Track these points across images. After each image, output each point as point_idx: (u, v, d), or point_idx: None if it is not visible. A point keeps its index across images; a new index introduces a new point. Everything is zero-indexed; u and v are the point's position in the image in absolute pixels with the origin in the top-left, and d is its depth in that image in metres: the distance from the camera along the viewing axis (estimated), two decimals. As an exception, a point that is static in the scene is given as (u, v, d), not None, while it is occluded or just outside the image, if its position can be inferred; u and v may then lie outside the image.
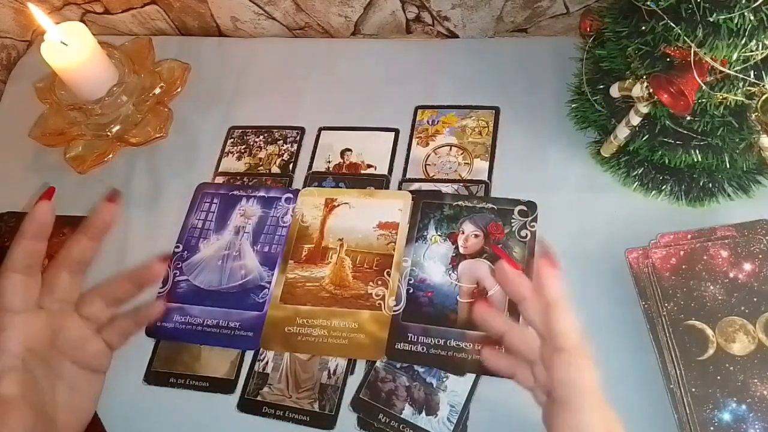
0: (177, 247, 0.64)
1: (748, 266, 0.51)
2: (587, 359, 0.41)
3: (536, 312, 0.42)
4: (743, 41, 0.44)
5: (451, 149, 0.65)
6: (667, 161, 0.54)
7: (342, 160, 0.67)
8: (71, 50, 0.63)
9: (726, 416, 0.46)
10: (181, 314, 0.60)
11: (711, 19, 0.43)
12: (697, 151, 0.53)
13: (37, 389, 0.45)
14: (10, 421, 0.42)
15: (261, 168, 0.68)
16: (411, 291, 0.57)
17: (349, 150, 0.67)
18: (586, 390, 0.40)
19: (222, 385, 0.56)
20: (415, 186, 0.64)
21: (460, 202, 0.61)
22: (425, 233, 0.60)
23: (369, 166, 0.66)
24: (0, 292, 0.44)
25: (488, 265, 0.57)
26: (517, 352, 0.45)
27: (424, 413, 0.52)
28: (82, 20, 0.82)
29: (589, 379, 0.40)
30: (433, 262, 0.58)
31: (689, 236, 0.53)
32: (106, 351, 0.51)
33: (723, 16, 0.43)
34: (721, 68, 0.46)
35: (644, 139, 0.54)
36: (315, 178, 0.66)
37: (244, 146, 0.70)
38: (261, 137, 0.70)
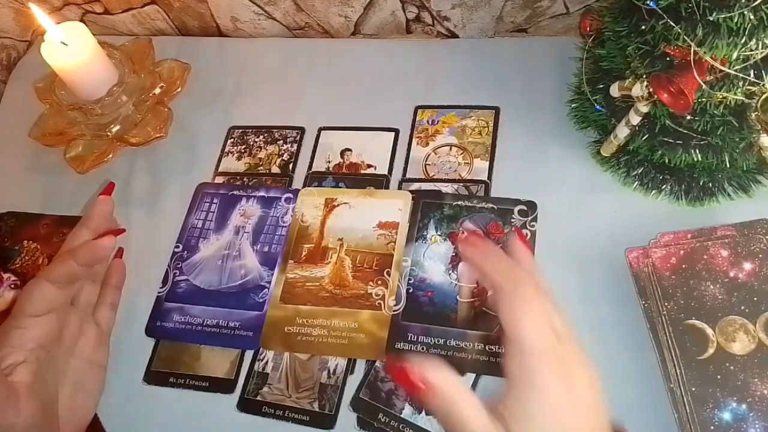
0: (177, 247, 0.64)
1: (748, 266, 0.51)
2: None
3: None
4: (743, 40, 0.44)
5: (451, 149, 0.65)
6: (667, 161, 0.54)
7: (342, 160, 0.67)
8: (71, 50, 0.63)
9: (726, 415, 0.46)
10: (181, 314, 0.60)
11: (711, 18, 0.43)
12: (697, 151, 0.53)
13: (44, 385, 0.46)
14: (22, 408, 0.43)
15: (261, 168, 0.68)
16: (411, 291, 0.57)
17: (349, 150, 0.67)
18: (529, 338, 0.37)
19: (222, 385, 0.56)
20: (415, 186, 0.64)
21: (460, 202, 0.61)
22: (425, 233, 0.60)
23: (369, 166, 0.66)
24: (30, 296, 0.47)
25: (488, 265, 0.57)
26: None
27: (424, 413, 0.52)
28: (82, 20, 0.82)
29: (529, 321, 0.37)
30: (433, 261, 0.58)
31: (689, 236, 0.53)
32: (102, 335, 0.53)
33: (723, 15, 0.43)
34: (721, 67, 0.46)
35: (644, 138, 0.54)
36: (315, 178, 0.66)
37: (244, 146, 0.70)
38: (261, 137, 0.70)
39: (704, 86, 0.47)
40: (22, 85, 0.78)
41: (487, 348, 0.53)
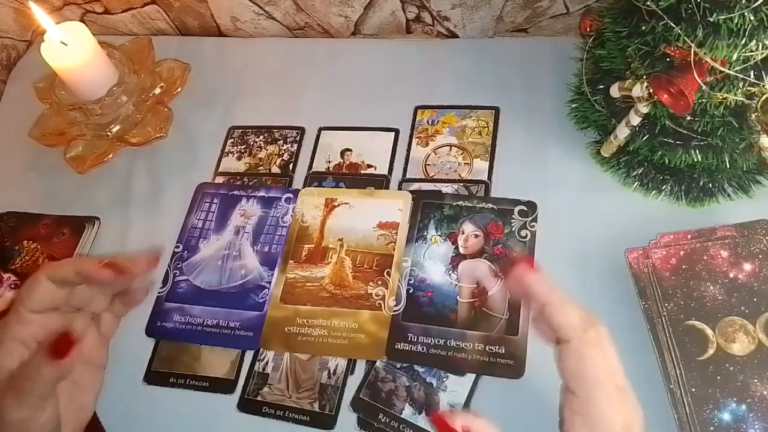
0: (177, 247, 0.64)
1: (748, 266, 0.51)
2: (596, 347, 0.40)
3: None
4: (743, 41, 0.44)
5: (451, 149, 0.65)
6: (667, 161, 0.54)
7: (342, 160, 0.67)
8: (71, 50, 0.63)
9: (726, 416, 0.46)
10: (181, 314, 0.60)
11: (711, 19, 0.43)
12: (697, 151, 0.53)
13: None
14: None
15: (261, 168, 0.68)
16: (411, 291, 0.57)
17: (349, 150, 0.67)
18: (596, 380, 0.39)
19: (222, 385, 0.56)
20: (415, 186, 0.64)
21: (460, 202, 0.61)
22: (425, 233, 0.60)
23: (369, 166, 0.66)
24: (29, 292, 0.47)
25: (488, 265, 0.57)
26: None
27: (424, 413, 0.52)
28: (82, 20, 0.82)
29: (598, 368, 0.39)
30: (433, 262, 0.58)
31: (689, 236, 0.53)
32: (103, 341, 0.53)
33: (723, 16, 0.43)
34: (721, 68, 0.46)
35: (644, 139, 0.54)
36: (315, 178, 0.66)
37: (244, 146, 0.70)
38: (261, 137, 0.70)
39: (704, 87, 0.47)
40: (22, 85, 0.78)
41: (487, 348, 0.53)
